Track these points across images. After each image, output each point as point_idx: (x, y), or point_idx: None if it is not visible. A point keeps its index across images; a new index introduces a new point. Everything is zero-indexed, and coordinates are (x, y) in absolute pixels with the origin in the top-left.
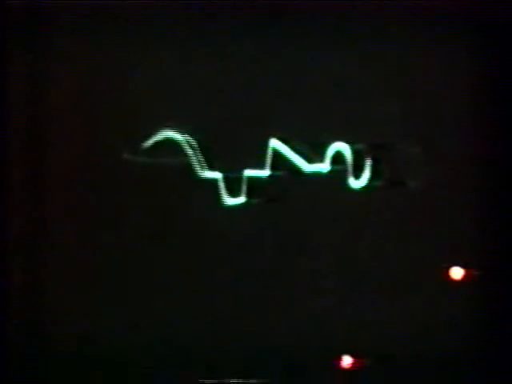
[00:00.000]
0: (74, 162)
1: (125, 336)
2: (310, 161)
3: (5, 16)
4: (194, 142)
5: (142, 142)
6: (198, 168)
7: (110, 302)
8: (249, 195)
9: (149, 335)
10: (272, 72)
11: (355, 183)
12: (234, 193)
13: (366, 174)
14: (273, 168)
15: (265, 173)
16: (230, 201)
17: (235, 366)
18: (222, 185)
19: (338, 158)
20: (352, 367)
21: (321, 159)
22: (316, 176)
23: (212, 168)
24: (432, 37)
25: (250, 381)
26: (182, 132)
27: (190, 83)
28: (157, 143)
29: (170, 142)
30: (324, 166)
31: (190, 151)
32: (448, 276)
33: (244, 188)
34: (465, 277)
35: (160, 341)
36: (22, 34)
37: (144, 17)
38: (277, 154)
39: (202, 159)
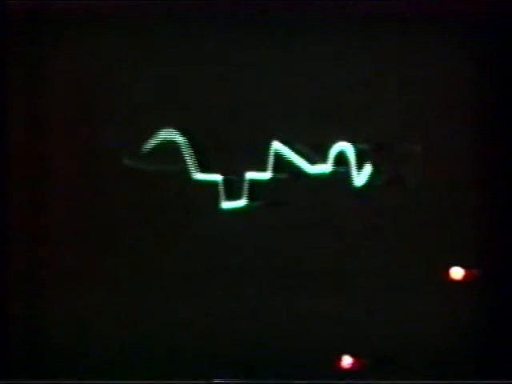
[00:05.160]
0: (74, 168)
1: (124, 336)
2: (312, 162)
3: (5, 17)
4: (194, 145)
5: (142, 145)
6: (198, 171)
7: (109, 303)
8: (250, 198)
9: (148, 334)
10: (273, 73)
11: (358, 183)
12: (234, 195)
13: (369, 174)
14: (274, 170)
15: (266, 175)
16: (230, 204)
17: (234, 365)
18: (222, 187)
19: (340, 158)
20: (352, 367)
21: (323, 160)
22: (319, 177)
23: (212, 170)
24: (432, 37)
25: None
26: (181, 134)
27: (190, 85)
28: (156, 147)
29: (169, 145)
30: (327, 167)
31: (189, 154)
32: (448, 276)
33: (245, 191)
34: (465, 277)
35: (159, 341)
36: (22, 35)
37: (144, 18)
38: (278, 156)
39: (202, 162)
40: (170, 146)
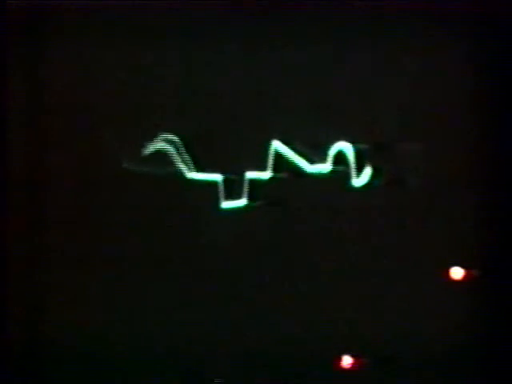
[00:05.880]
0: (74, 169)
1: (123, 337)
2: (311, 162)
3: (5, 16)
4: (194, 144)
5: (142, 147)
6: (197, 171)
7: (109, 306)
8: (250, 197)
9: (148, 337)
10: (273, 73)
11: (357, 183)
12: (234, 195)
13: (368, 174)
14: (274, 170)
15: (266, 175)
16: (230, 203)
17: (235, 367)
18: (222, 187)
19: (340, 158)
20: (352, 367)
21: (323, 160)
22: (318, 177)
23: (212, 170)
24: (432, 36)
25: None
26: (181, 134)
27: (190, 85)
28: (156, 147)
29: (169, 145)
30: (326, 167)
31: (189, 154)
32: (448, 276)
33: (245, 190)
34: (465, 277)
35: (159, 341)
36: (22, 34)
37: (143, 18)
38: (278, 156)
39: (202, 162)
40: (169, 147)
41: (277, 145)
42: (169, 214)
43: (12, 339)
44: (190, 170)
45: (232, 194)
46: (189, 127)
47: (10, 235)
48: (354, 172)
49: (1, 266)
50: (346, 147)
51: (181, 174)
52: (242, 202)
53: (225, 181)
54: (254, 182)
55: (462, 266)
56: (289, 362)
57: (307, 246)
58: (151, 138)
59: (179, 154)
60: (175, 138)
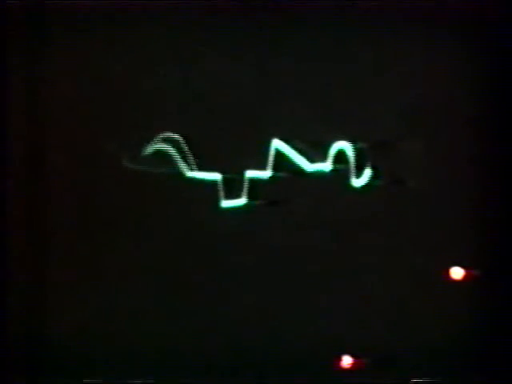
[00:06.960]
0: (74, 168)
1: (124, 337)
2: (311, 160)
3: (5, 16)
4: (193, 143)
5: (142, 146)
6: (197, 170)
7: (109, 304)
8: (250, 197)
9: (148, 336)
10: (273, 71)
11: (357, 182)
12: (234, 194)
13: (368, 173)
14: (274, 168)
15: (266, 173)
16: (230, 202)
17: (235, 366)
18: (222, 186)
19: (340, 157)
20: (352, 367)
21: (323, 159)
22: (318, 176)
23: (212, 169)
24: (432, 35)
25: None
26: (181, 133)
27: (190, 83)
28: (156, 147)
29: (169, 144)
30: (326, 166)
31: (188, 153)
32: (448, 276)
33: (245, 189)
34: (465, 277)
35: (159, 341)
36: (22, 34)
37: (144, 18)
38: (278, 155)
39: (201, 161)
40: (169, 145)
41: (277, 144)
42: (168, 213)
43: (12, 339)
44: (189, 168)
45: (232, 193)
46: (188, 126)
47: (10, 235)
48: (353, 171)
49: (1, 265)
50: (346, 146)
51: (180, 173)
52: (241, 200)
53: (224, 180)
54: (253, 181)
55: (462, 266)
56: (289, 361)
57: (307, 245)
58: (151, 137)
59: (179, 152)
60: (175, 137)
